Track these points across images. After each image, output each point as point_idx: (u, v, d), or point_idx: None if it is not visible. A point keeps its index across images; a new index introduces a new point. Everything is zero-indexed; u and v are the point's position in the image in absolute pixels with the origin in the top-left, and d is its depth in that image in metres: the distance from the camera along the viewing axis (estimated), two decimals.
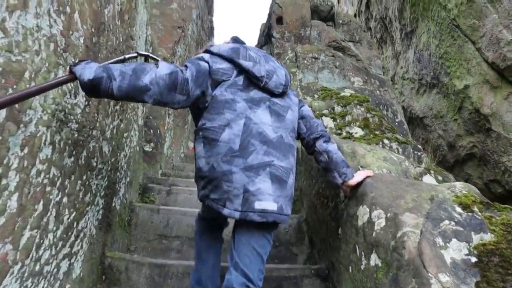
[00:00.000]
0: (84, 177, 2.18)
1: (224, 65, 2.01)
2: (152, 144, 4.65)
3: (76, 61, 1.90)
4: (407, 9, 10.17)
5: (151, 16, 5.90)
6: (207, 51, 2.10)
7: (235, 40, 2.30)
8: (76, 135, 2.08)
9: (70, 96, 2.03)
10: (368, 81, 7.24)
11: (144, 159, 4.43)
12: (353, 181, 2.12)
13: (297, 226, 3.28)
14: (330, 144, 2.23)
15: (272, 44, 8.07)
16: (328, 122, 5.77)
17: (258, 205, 1.79)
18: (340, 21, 8.94)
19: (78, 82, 1.76)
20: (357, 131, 5.70)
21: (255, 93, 2.01)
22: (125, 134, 2.98)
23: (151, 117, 4.89)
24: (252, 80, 2.04)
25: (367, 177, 2.12)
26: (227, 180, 1.81)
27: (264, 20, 10.47)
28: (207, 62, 1.99)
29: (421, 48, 9.76)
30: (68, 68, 1.81)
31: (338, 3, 15.66)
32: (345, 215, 2.20)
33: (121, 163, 2.88)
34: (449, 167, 9.19)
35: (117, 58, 2.25)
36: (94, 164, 2.33)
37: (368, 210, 1.92)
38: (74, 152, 2.05)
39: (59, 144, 1.86)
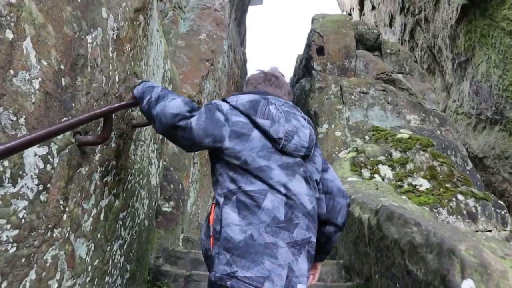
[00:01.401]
0: None
1: (242, 118, 1.76)
2: (172, 203, 3.74)
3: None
4: (460, 37, 9.12)
5: (175, 48, 5.12)
6: (224, 101, 1.87)
7: (273, 69, 2.15)
8: (12, 250, 1.19)
9: (3, 182, 1.15)
10: (426, 119, 6.21)
11: (160, 224, 3.52)
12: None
13: None
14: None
15: (313, 77, 7.17)
16: (385, 171, 4.75)
17: None
18: (388, 51, 7.98)
19: None
20: (422, 183, 4.65)
21: (287, 158, 1.76)
22: (122, 215, 2.07)
23: (172, 168, 4.01)
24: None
25: None
26: (270, 255, 1.52)
27: (301, 50, 9.65)
28: (224, 114, 1.76)
29: (479, 79, 8.65)
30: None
31: None
32: None
33: (113, 260, 1.97)
34: None
35: None
36: (55, 286, 1.42)
37: None
38: (4, 284, 1.16)
39: None
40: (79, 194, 1.56)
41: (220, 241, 1.57)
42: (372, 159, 4.92)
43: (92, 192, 1.69)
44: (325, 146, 5.60)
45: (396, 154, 5.00)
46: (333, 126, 5.86)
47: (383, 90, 6.38)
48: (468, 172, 5.23)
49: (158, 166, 3.16)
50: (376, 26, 14.67)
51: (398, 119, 6.12)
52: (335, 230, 1.91)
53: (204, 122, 1.70)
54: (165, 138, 3.38)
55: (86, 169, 1.62)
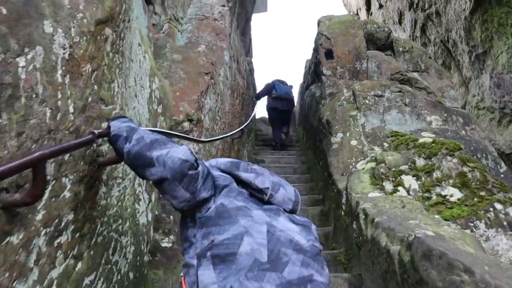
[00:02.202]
0: None
1: (224, 173, 1.70)
2: (172, 237, 3.32)
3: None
4: (476, 28, 8.59)
5: (171, 62, 4.74)
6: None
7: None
8: None
9: None
10: (448, 119, 5.70)
11: (159, 264, 3.10)
12: None
13: None
14: None
15: (323, 83, 6.72)
16: (410, 181, 4.28)
17: None
18: (400, 49, 7.48)
19: None
20: (453, 193, 4.15)
21: (270, 206, 1.64)
22: (89, 280, 1.64)
23: None
24: (256, 196, 1.68)
25: None
26: None
27: (309, 55, 9.23)
28: (207, 167, 1.64)
29: (500, 70, 8.11)
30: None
31: None
32: None
33: None
34: None
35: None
36: None
37: None
38: None
39: None
40: (7, 274, 1.14)
41: None
42: (393, 169, 4.44)
43: (32, 265, 1.27)
44: (340, 157, 5.13)
45: (420, 162, 4.52)
46: (348, 134, 5.40)
47: (399, 91, 5.90)
48: (502, 175, 4.70)
49: (150, 201, 2.75)
50: (385, 24, 14.16)
51: (418, 122, 5.63)
52: None
53: (206, 172, 1.60)
54: None
55: (20, 237, 1.21)
